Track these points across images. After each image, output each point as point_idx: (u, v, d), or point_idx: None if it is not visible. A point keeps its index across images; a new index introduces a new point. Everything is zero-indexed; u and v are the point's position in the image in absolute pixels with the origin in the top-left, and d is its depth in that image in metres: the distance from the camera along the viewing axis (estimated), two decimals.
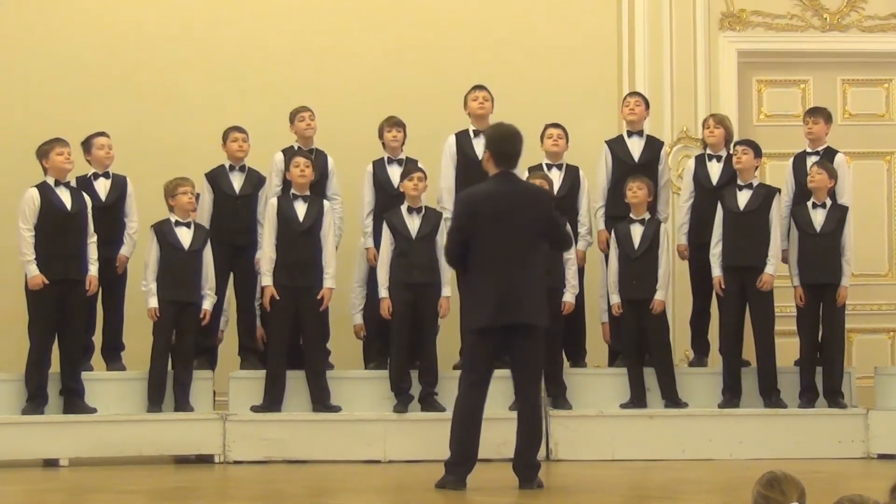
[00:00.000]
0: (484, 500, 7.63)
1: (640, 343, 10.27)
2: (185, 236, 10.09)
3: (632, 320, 10.24)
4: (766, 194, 10.28)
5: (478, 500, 7.61)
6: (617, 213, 10.50)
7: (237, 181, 10.50)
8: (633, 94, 10.98)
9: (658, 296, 10.21)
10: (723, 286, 10.22)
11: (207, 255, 10.17)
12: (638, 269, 10.23)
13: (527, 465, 7.86)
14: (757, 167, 10.42)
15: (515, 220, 7.72)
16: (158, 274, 10.03)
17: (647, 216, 10.30)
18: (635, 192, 10.24)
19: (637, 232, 10.28)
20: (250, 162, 10.55)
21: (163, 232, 10.08)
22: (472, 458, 7.84)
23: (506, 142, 7.90)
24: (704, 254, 10.34)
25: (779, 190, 10.40)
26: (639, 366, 10.23)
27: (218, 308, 10.38)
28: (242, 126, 10.53)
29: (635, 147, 10.65)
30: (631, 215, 10.29)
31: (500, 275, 7.70)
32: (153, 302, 10.00)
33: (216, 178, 10.49)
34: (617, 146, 10.70)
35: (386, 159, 10.61)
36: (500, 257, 7.71)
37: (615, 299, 10.30)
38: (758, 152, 10.34)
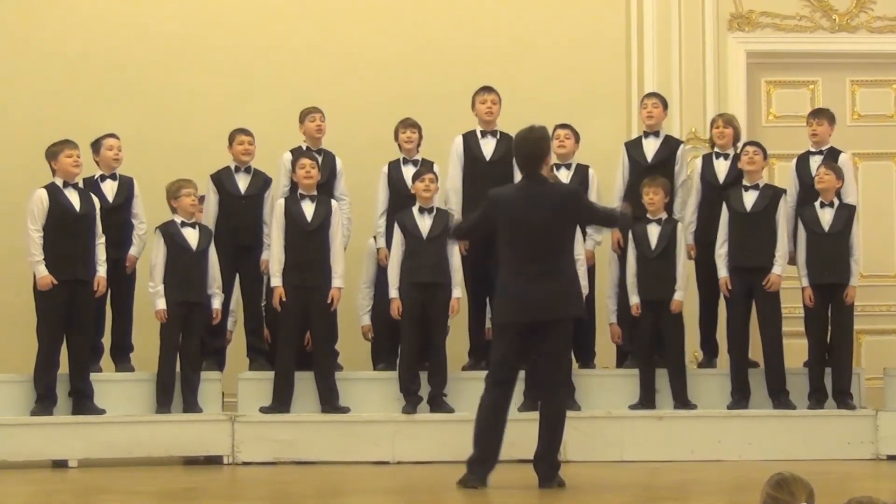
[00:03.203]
0: (496, 500, 7.63)
1: (653, 344, 10.27)
2: (191, 237, 10.10)
3: (648, 321, 10.24)
4: (772, 195, 10.27)
5: (488, 500, 7.61)
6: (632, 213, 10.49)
7: (242, 182, 10.50)
8: (651, 95, 10.95)
9: (677, 296, 10.21)
10: (729, 287, 10.22)
11: (213, 254, 10.18)
12: (655, 270, 10.23)
13: (547, 464, 7.91)
14: (764, 168, 10.42)
15: (540, 221, 7.83)
16: (165, 275, 10.04)
17: (663, 216, 10.30)
18: (651, 197, 10.24)
19: (654, 232, 10.27)
20: (259, 163, 10.55)
21: (170, 233, 10.08)
22: (493, 455, 7.89)
23: (523, 146, 8.06)
24: (711, 253, 10.33)
25: (784, 191, 10.40)
26: (652, 367, 10.22)
27: (226, 309, 10.39)
28: (248, 128, 10.53)
29: (650, 148, 10.64)
30: (647, 215, 10.29)
31: (525, 273, 7.83)
32: (161, 304, 10.00)
33: (221, 179, 10.49)
34: (633, 147, 10.71)
35: (401, 160, 10.61)
36: (526, 256, 7.84)
37: (634, 300, 10.29)
38: (765, 154, 10.36)
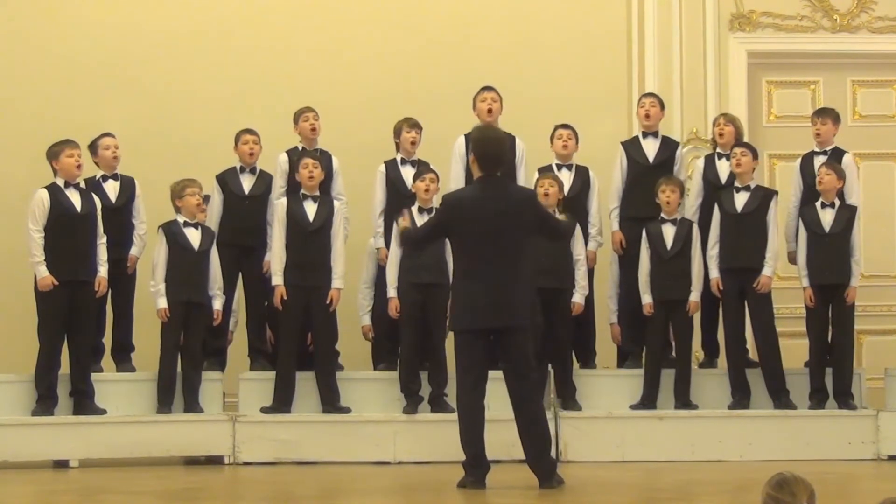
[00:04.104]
0: (496, 500, 7.63)
1: (666, 344, 10.28)
2: (194, 237, 10.11)
3: (661, 321, 10.24)
4: (763, 196, 10.27)
5: (488, 500, 7.62)
6: (631, 214, 10.50)
7: (247, 182, 10.52)
8: (648, 95, 10.95)
9: (693, 297, 10.21)
10: (720, 287, 10.22)
11: (215, 255, 10.19)
12: (671, 270, 10.22)
13: (542, 465, 7.91)
14: (754, 169, 10.41)
15: (500, 225, 7.79)
16: (167, 274, 10.04)
17: (678, 216, 10.30)
18: (668, 195, 10.22)
19: (669, 232, 10.26)
20: (261, 163, 10.56)
21: (172, 233, 10.08)
22: (484, 457, 7.90)
23: (490, 145, 8.02)
24: None
25: (776, 192, 10.43)
26: (660, 367, 10.22)
27: (227, 309, 10.39)
28: (254, 128, 10.53)
29: (650, 148, 10.64)
30: (662, 216, 10.28)
31: (484, 279, 7.79)
32: (162, 303, 10.00)
33: (226, 179, 10.51)
34: (632, 147, 10.70)
35: (399, 160, 10.60)
36: (485, 262, 7.80)
37: (647, 300, 10.27)
38: (755, 154, 10.36)
